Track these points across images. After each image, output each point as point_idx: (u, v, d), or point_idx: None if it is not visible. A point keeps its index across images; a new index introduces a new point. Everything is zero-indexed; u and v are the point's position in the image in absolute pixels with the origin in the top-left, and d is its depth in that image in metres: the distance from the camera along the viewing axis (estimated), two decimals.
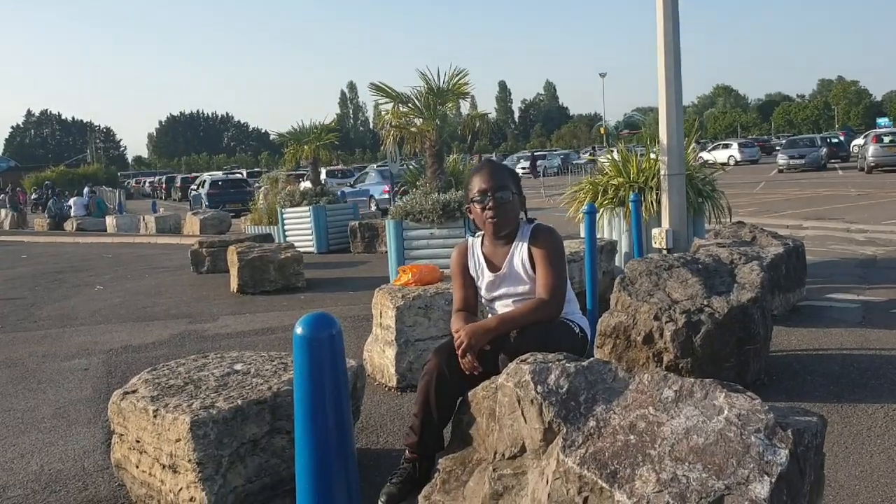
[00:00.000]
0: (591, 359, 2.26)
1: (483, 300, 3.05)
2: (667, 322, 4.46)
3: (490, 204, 2.88)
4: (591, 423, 2.00)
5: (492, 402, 2.24)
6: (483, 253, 3.02)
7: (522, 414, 2.11)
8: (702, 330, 4.39)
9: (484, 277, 2.98)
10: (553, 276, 2.81)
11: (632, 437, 1.91)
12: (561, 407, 2.05)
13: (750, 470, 1.77)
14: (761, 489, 1.72)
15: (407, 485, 2.74)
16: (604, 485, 1.82)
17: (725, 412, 1.91)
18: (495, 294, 2.96)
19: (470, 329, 2.68)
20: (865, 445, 3.80)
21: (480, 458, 2.28)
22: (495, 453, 2.20)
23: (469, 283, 3.00)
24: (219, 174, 46.33)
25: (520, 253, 2.90)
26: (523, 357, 2.33)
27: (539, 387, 2.10)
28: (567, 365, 2.17)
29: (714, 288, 4.81)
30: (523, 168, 46.86)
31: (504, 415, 2.18)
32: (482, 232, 3.05)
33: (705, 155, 34.90)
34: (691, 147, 9.65)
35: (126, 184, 56.42)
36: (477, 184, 2.94)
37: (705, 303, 4.55)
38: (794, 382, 4.79)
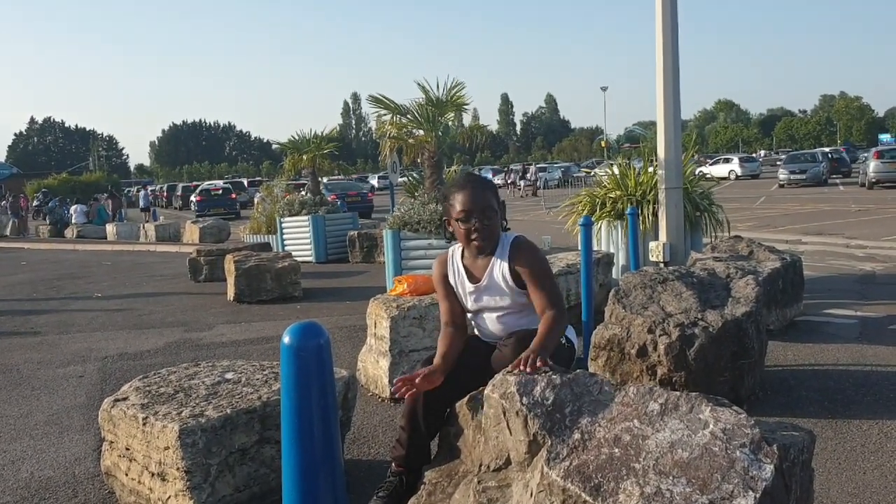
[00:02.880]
0: (578, 371, 2.25)
1: (469, 313, 3.03)
2: (660, 335, 4.45)
3: (476, 226, 2.80)
4: (576, 435, 1.99)
5: (478, 415, 2.23)
6: (463, 264, 2.97)
7: (508, 426, 2.10)
8: (696, 343, 4.38)
9: (465, 289, 2.94)
10: (549, 288, 2.80)
11: (616, 450, 1.90)
12: (546, 419, 2.04)
13: (734, 485, 1.75)
14: None
15: (393, 498, 2.72)
16: (587, 498, 1.80)
17: (711, 426, 1.90)
18: (479, 306, 2.94)
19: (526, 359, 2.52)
20: (859, 462, 3.78)
21: (466, 471, 2.27)
22: (480, 465, 2.19)
23: (452, 294, 2.96)
24: (219, 182, 46.95)
25: (500, 267, 2.85)
26: (509, 368, 2.32)
27: (524, 398, 2.09)
28: (553, 377, 2.16)
29: (709, 301, 4.80)
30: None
31: (490, 426, 2.17)
32: (460, 245, 2.99)
33: (705, 168, 34.93)
34: (689, 160, 9.66)
35: (127, 192, 56.45)
36: (460, 202, 2.83)
37: (699, 316, 4.54)
38: (789, 397, 4.77)
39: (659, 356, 4.44)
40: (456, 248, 3.02)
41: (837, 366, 5.40)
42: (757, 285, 4.98)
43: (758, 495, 1.73)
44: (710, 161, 46.54)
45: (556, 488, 1.85)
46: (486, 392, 2.23)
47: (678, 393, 2.03)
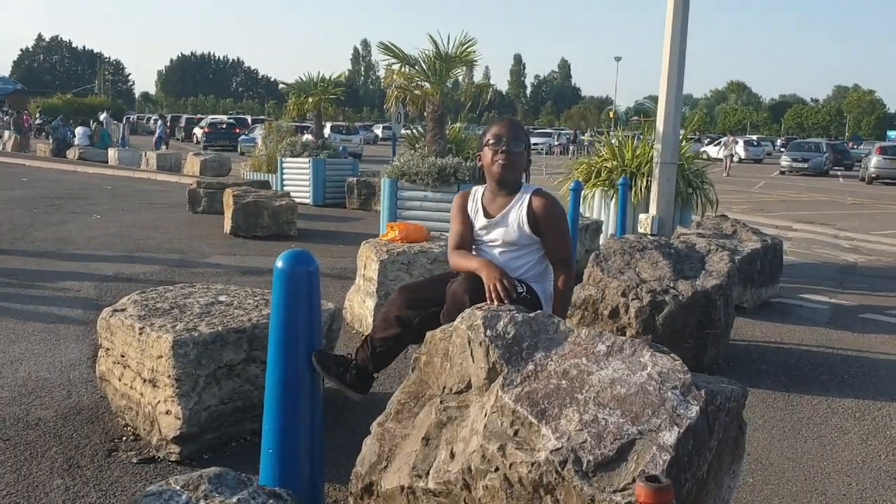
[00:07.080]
0: (538, 311, 2.48)
1: (475, 240, 3.32)
2: (633, 299, 4.69)
3: (503, 149, 3.11)
4: (530, 366, 2.23)
5: (447, 344, 2.47)
6: (482, 201, 3.26)
7: (471, 354, 2.34)
8: (665, 310, 4.62)
9: (478, 222, 3.23)
10: (561, 242, 3.14)
11: (563, 382, 2.14)
12: (505, 350, 2.28)
13: (662, 420, 1.99)
14: (669, 437, 1.95)
15: (339, 367, 2.97)
16: (533, 420, 2.05)
17: (649, 369, 2.13)
18: (486, 237, 3.20)
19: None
20: (802, 432, 4.05)
21: (432, 395, 2.51)
22: (444, 388, 2.43)
23: (466, 221, 3.24)
24: (223, 117, 47.14)
25: (517, 210, 3.13)
26: (479, 304, 2.57)
27: (488, 331, 2.33)
28: (516, 315, 2.40)
29: (682, 272, 5.03)
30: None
31: (455, 354, 2.40)
32: (485, 185, 3.30)
33: (709, 149, 34.82)
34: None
35: (129, 119, 56.17)
36: (494, 130, 3.19)
37: (671, 285, 4.78)
38: (749, 369, 5.04)
39: (629, 319, 4.69)
40: (479, 188, 3.32)
41: (801, 346, 5.67)
42: (730, 261, 5.21)
43: (681, 430, 1.97)
44: (714, 141, 46.46)
45: (507, 410, 2.10)
46: (455, 323, 2.47)
47: (624, 338, 2.27)
